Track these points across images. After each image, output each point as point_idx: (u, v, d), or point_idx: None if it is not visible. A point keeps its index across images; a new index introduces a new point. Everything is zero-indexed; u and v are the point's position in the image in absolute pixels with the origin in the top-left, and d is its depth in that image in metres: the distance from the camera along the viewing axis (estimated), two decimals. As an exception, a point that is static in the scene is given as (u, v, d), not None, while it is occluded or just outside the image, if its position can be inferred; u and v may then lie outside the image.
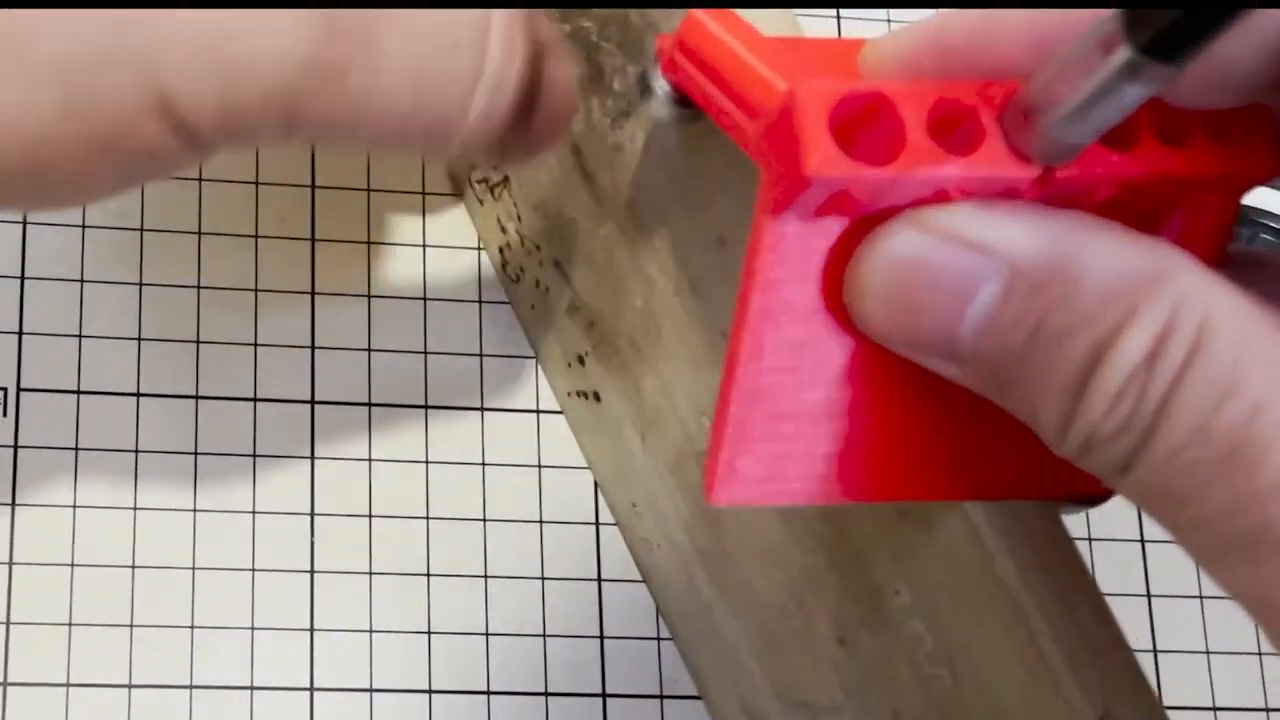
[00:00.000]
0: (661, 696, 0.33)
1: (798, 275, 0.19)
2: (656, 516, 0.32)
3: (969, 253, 0.17)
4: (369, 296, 0.33)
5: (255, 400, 0.32)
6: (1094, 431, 0.16)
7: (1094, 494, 0.23)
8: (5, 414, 0.32)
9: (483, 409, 0.34)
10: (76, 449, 0.32)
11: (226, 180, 0.33)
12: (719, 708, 0.33)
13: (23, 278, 0.32)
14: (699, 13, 0.22)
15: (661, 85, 0.23)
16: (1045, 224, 0.17)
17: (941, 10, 0.18)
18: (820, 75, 0.20)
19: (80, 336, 0.32)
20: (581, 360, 0.33)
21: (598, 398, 0.33)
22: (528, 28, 0.21)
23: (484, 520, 0.33)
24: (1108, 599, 0.28)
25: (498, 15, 0.20)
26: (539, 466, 0.33)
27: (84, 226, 0.33)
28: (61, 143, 0.19)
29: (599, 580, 0.33)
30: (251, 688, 0.31)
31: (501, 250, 0.34)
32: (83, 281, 0.33)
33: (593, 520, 0.33)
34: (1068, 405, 0.16)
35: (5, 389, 0.32)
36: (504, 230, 0.33)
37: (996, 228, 0.17)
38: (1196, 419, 0.15)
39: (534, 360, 0.33)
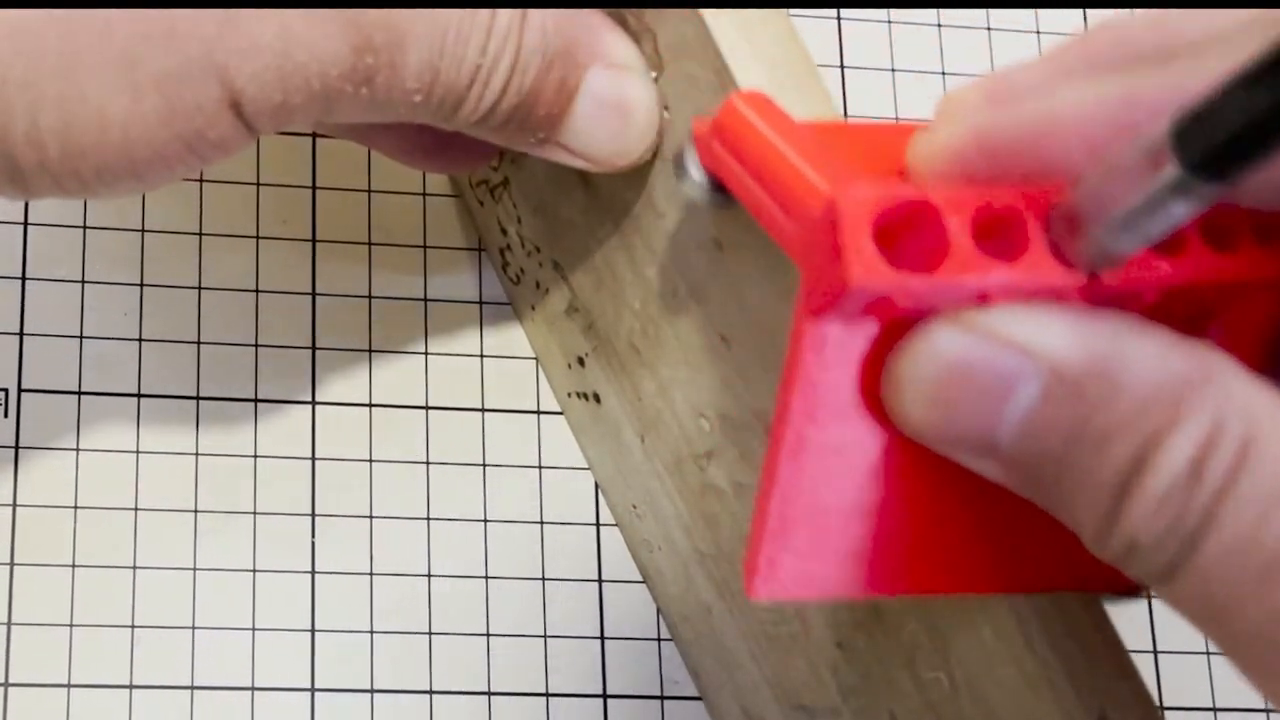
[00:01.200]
0: (662, 697, 0.33)
1: (838, 374, 0.19)
2: (656, 518, 0.33)
3: (1009, 353, 0.17)
4: (369, 297, 0.33)
5: (256, 401, 0.32)
6: (1136, 539, 0.16)
7: (1134, 589, 0.23)
8: (5, 414, 0.32)
9: (483, 409, 0.34)
10: (77, 449, 0.32)
11: (226, 181, 0.33)
12: (719, 709, 0.33)
13: (23, 278, 0.32)
14: (737, 100, 0.21)
15: (697, 169, 0.23)
16: (1087, 326, 0.17)
17: (988, 115, 0.18)
18: (862, 171, 0.20)
19: (81, 337, 0.33)
20: (581, 361, 0.33)
21: (598, 399, 0.33)
22: (543, 33, 0.23)
23: (484, 521, 0.33)
24: (1106, 599, 0.28)
25: (500, 22, 0.23)
26: (539, 467, 0.33)
27: (84, 227, 0.33)
28: (156, 142, 0.22)
29: (600, 581, 0.33)
30: (253, 688, 0.31)
31: (502, 251, 0.34)
32: (83, 282, 0.33)
33: (593, 521, 0.33)
34: (1109, 510, 0.16)
35: (5, 389, 0.32)
36: (504, 232, 0.33)
37: (1037, 329, 0.17)
38: (1242, 530, 0.15)
39: (534, 361, 0.33)
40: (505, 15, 0.23)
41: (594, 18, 0.24)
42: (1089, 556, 0.18)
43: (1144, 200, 0.15)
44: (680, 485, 0.31)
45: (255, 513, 0.32)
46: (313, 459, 0.33)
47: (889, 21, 0.38)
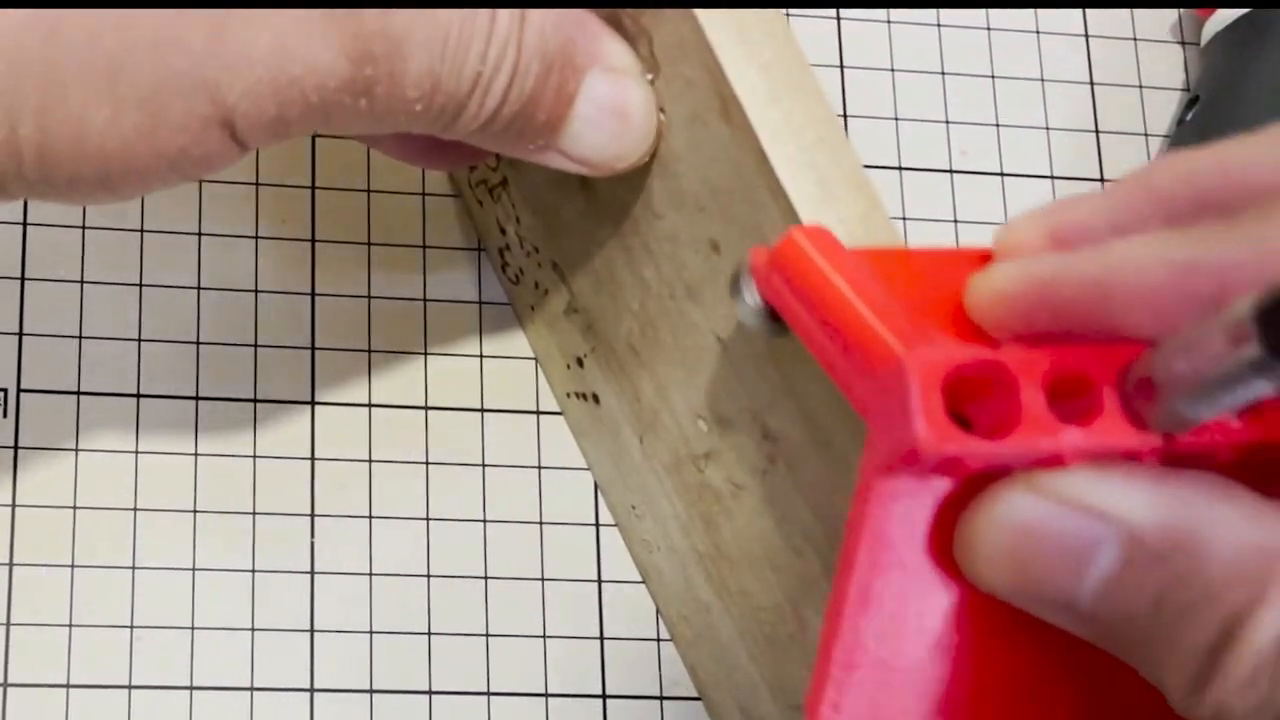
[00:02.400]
0: (661, 698, 0.34)
1: (905, 528, 0.19)
2: (655, 518, 0.33)
3: (1086, 518, 0.17)
4: (369, 297, 0.33)
5: (255, 401, 0.33)
6: (1226, 708, 0.16)
7: None
8: (5, 414, 0.32)
9: (482, 409, 0.34)
10: (77, 449, 0.32)
11: (226, 181, 0.34)
12: (718, 709, 0.33)
13: (23, 278, 0.33)
14: (797, 235, 0.21)
15: (753, 296, 0.23)
16: (1165, 490, 0.17)
17: (1049, 266, 0.18)
18: (922, 307, 0.19)
19: (80, 337, 0.33)
20: (580, 362, 0.33)
21: (596, 399, 0.33)
22: (542, 36, 0.23)
23: (484, 521, 0.33)
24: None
25: (500, 27, 0.23)
26: (539, 468, 0.33)
27: (84, 227, 0.33)
28: (135, 158, 0.22)
29: (599, 581, 0.34)
30: (251, 689, 0.31)
31: (501, 251, 0.34)
32: (83, 282, 0.33)
33: (593, 521, 0.34)
34: (1197, 677, 0.16)
35: (5, 389, 0.32)
36: (503, 232, 0.33)
37: (1114, 494, 0.17)
38: None
39: (534, 361, 0.34)
40: (505, 19, 0.23)
41: (591, 21, 0.24)
42: (1174, 715, 0.18)
43: (1224, 376, 0.15)
44: (679, 485, 0.31)
45: (255, 513, 0.32)
46: (312, 459, 0.33)
47: (889, 21, 0.39)
